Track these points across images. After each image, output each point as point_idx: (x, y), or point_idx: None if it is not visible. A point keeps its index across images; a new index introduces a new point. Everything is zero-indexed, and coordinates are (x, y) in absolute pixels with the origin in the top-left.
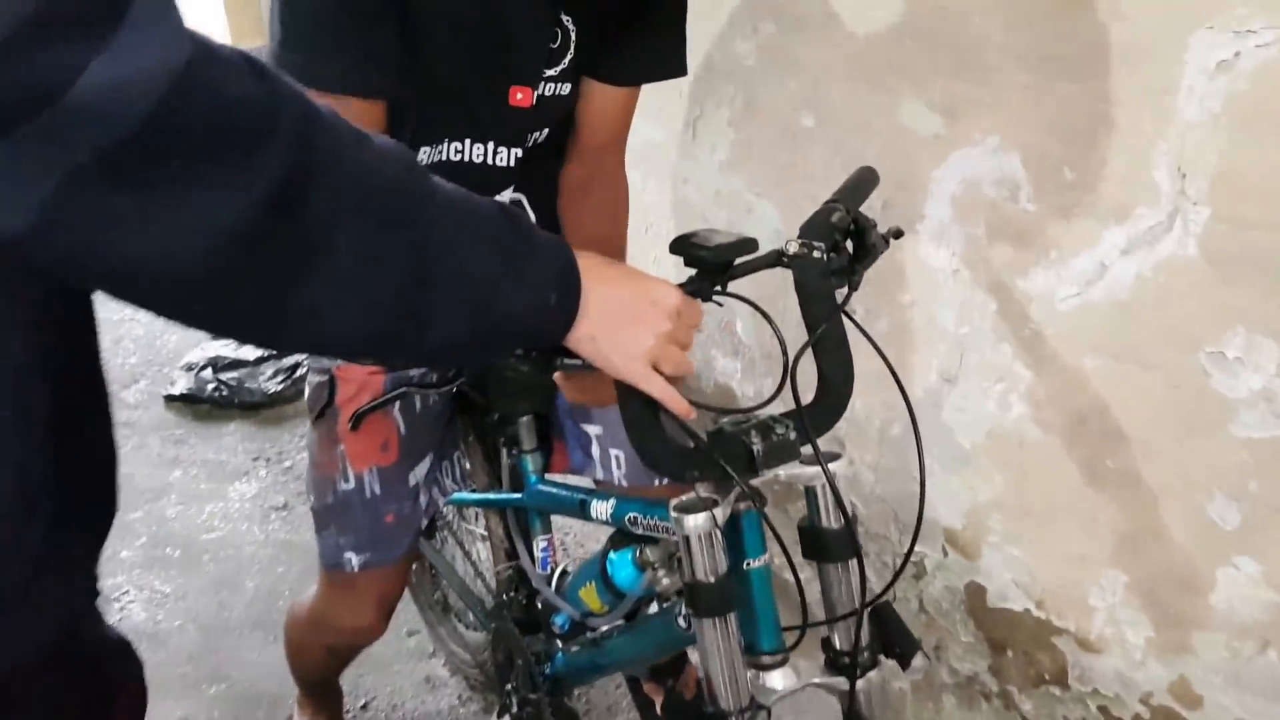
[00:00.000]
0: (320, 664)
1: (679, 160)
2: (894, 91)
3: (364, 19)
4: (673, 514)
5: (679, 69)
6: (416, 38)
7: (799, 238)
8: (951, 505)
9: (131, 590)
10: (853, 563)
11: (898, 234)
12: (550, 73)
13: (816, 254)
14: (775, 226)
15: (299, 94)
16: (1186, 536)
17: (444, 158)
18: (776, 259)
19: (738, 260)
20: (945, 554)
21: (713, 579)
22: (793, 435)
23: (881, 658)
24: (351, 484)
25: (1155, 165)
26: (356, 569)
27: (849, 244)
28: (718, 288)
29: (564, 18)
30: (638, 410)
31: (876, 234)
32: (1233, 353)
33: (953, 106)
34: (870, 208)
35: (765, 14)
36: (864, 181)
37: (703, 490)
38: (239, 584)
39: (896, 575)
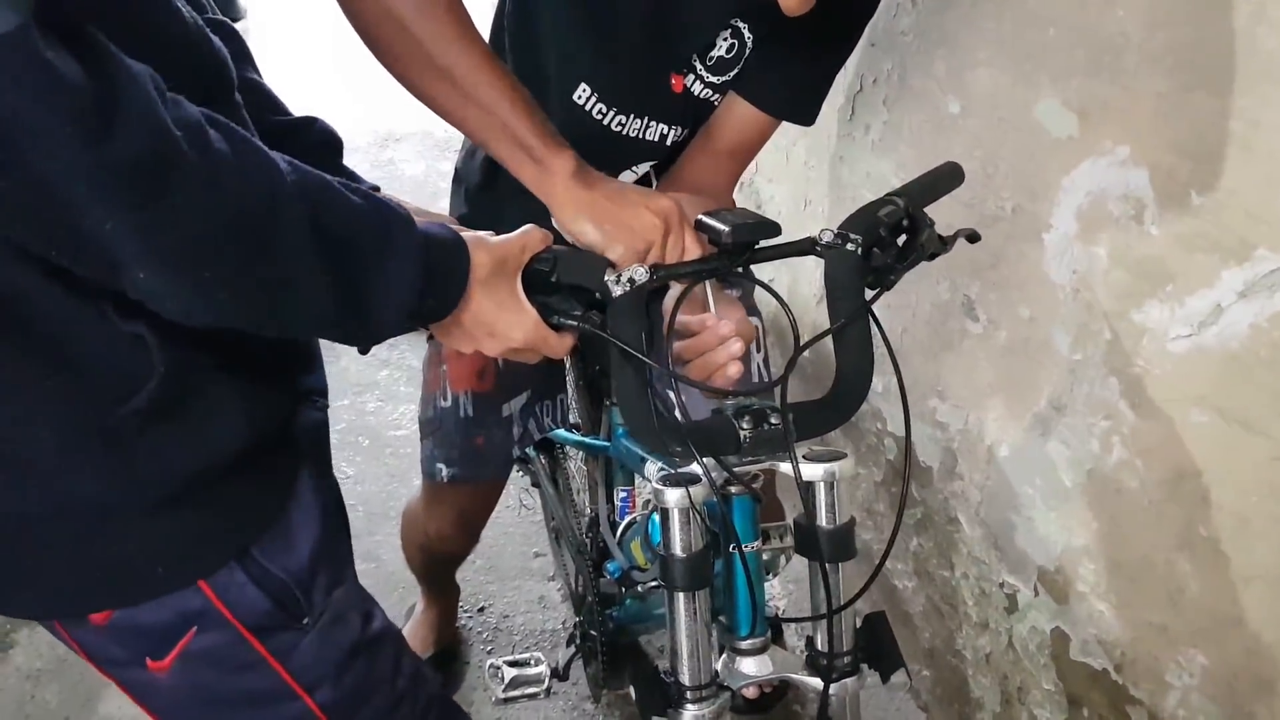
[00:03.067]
0: (418, 560)
1: (838, 137)
2: (1033, 84)
3: None
4: (654, 484)
5: (806, 117)
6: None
7: (839, 227)
8: (1046, 543)
9: None
10: (843, 567)
11: (973, 237)
12: (711, 77)
13: (850, 246)
14: None
15: (151, 94)
16: (1269, 631)
17: (605, 120)
18: (810, 247)
19: (764, 243)
20: (1037, 593)
21: (684, 554)
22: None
23: (864, 667)
24: (449, 403)
25: None
26: (445, 480)
27: (901, 241)
28: (739, 269)
29: (740, 24)
30: (628, 378)
31: (933, 235)
32: None
33: (1087, 108)
34: (999, 213)
35: None
36: (941, 178)
37: (696, 467)
38: (408, 479)
39: (872, 577)
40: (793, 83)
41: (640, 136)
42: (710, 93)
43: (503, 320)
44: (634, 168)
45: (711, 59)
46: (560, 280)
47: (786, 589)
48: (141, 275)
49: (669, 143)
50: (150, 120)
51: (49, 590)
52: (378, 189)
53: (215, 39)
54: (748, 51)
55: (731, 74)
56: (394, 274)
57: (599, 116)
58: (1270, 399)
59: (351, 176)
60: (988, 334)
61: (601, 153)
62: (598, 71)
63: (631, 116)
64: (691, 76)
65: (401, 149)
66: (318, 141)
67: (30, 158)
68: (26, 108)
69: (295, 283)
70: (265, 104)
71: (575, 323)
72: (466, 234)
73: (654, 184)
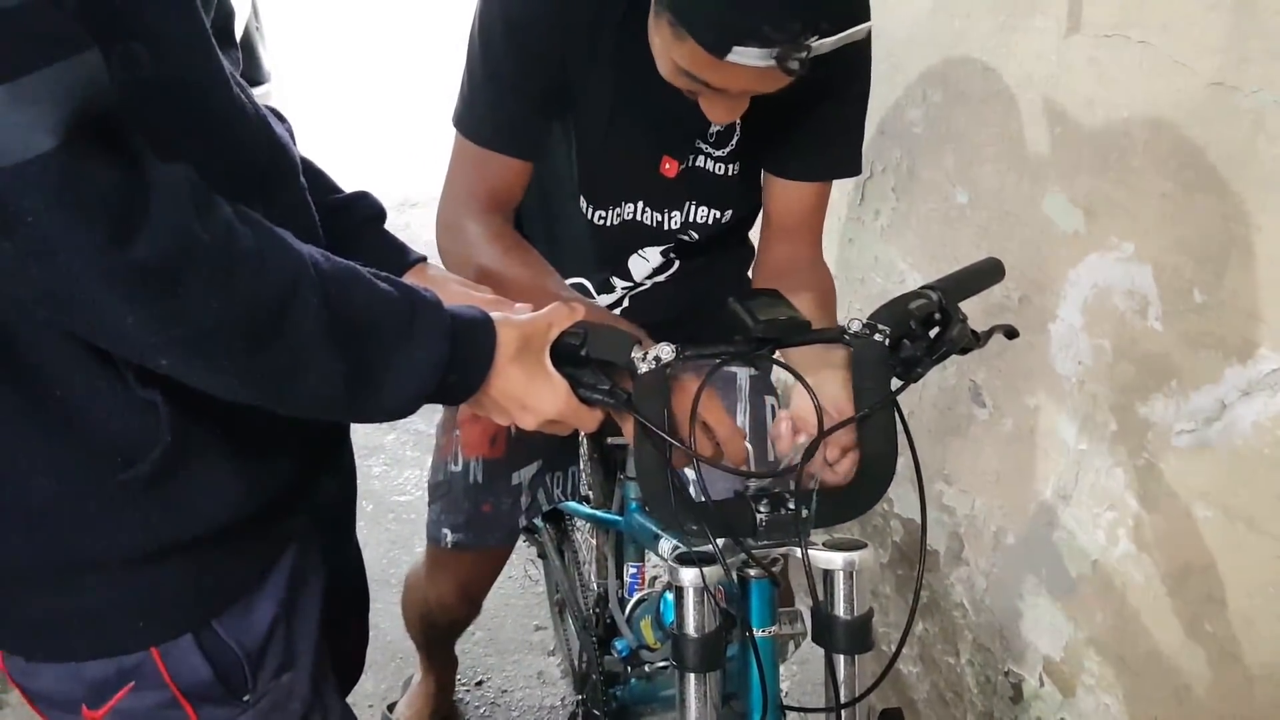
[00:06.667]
0: (418, 627)
1: (846, 220)
2: (1041, 180)
3: (528, 79)
4: (669, 562)
5: (850, 169)
6: (578, 101)
7: (869, 318)
8: (1052, 634)
9: None
10: (859, 658)
11: (1011, 334)
12: (717, 151)
13: (877, 337)
14: None
15: (181, 198)
16: None
17: (606, 222)
18: (838, 336)
19: (794, 336)
20: (1042, 683)
21: (697, 635)
22: (804, 514)
23: None
24: (459, 467)
25: None
26: (449, 546)
27: (932, 334)
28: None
29: None
30: (648, 454)
31: (965, 330)
32: None
33: (1093, 205)
34: (1007, 303)
35: (935, 83)
36: (980, 273)
37: (717, 547)
38: (410, 546)
39: (884, 673)
40: (814, 144)
41: (636, 220)
42: (720, 166)
43: (534, 393)
44: (641, 253)
45: (712, 134)
46: (589, 354)
47: (790, 670)
48: (163, 361)
49: (667, 227)
50: (177, 226)
51: (14, 629)
52: (424, 258)
53: (277, 126)
54: (739, 122)
55: (734, 143)
56: (416, 355)
57: (600, 222)
58: (1273, 498)
59: (399, 248)
60: (994, 420)
61: (601, 246)
62: (591, 184)
63: (624, 203)
64: (701, 157)
65: (418, 214)
66: (365, 216)
67: (60, 257)
68: (59, 215)
69: (306, 368)
70: (315, 185)
71: (603, 397)
72: (495, 313)
73: (674, 270)
